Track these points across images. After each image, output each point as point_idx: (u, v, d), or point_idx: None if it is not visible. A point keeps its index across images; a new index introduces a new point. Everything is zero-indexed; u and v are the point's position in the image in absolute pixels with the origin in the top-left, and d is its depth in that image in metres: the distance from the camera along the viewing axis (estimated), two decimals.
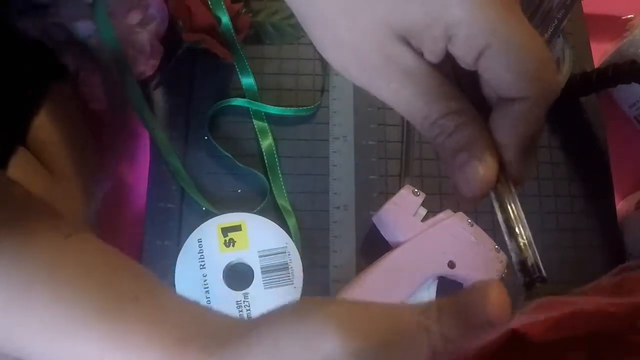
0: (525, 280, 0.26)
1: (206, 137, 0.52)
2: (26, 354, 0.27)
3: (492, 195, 0.27)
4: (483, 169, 0.25)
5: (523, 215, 0.27)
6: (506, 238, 0.27)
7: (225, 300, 0.47)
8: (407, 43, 0.24)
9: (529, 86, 0.24)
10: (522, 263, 0.26)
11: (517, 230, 0.27)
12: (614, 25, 0.60)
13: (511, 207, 0.27)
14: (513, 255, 0.27)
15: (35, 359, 0.27)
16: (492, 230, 0.49)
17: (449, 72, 0.25)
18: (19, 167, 0.40)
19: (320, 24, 0.26)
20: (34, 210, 0.31)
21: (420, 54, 0.25)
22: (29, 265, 0.27)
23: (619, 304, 0.20)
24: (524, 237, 0.27)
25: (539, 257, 0.27)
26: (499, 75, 0.24)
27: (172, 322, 0.27)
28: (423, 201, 0.48)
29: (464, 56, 0.24)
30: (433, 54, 0.24)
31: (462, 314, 0.23)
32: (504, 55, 0.23)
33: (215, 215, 0.49)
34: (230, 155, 0.51)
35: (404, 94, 0.25)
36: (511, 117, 0.25)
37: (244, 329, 0.27)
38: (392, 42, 0.24)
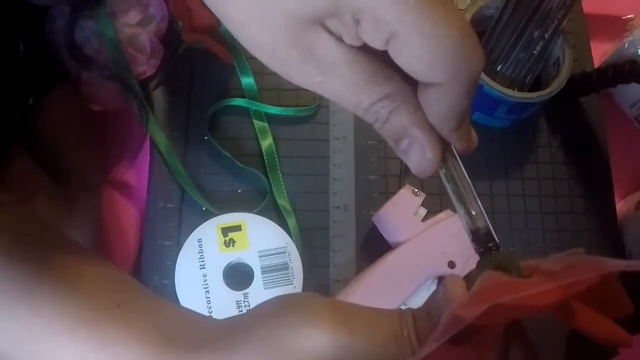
0: (479, 250, 0.26)
1: (206, 137, 0.52)
2: None
3: (440, 169, 0.26)
4: (426, 152, 0.24)
5: (472, 186, 0.26)
6: (457, 210, 0.27)
7: (225, 300, 0.47)
8: (325, 29, 0.22)
9: (441, 74, 0.22)
10: (475, 233, 0.26)
11: (467, 201, 0.26)
12: (614, 25, 0.60)
13: (460, 179, 0.26)
14: (465, 226, 0.26)
15: None
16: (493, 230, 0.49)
17: None
18: (18, 168, 0.40)
19: (234, 25, 0.24)
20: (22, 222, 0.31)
21: (340, 39, 0.23)
22: (15, 277, 0.28)
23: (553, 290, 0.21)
24: (475, 208, 0.26)
25: (490, 226, 0.26)
26: (408, 63, 0.22)
27: (152, 326, 0.28)
28: (423, 201, 0.48)
29: (373, 42, 0.22)
30: (352, 39, 0.22)
31: (431, 312, 0.25)
32: (412, 45, 0.21)
33: (215, 215, 0.49)
34: (230, 155, 0.51)
35: (329, 86, 0.24)
36: (430, 100, 0.23)
37: (230, 325, 0.28)
38: (307, 34, 0.22)
